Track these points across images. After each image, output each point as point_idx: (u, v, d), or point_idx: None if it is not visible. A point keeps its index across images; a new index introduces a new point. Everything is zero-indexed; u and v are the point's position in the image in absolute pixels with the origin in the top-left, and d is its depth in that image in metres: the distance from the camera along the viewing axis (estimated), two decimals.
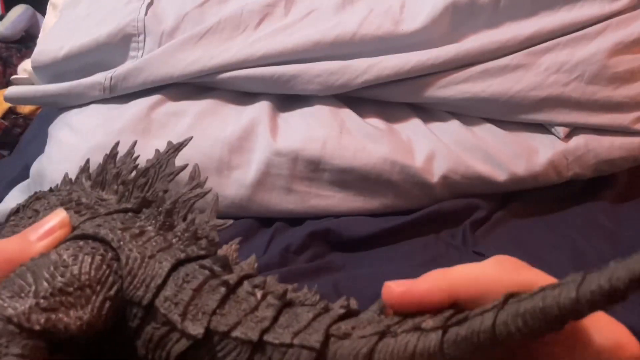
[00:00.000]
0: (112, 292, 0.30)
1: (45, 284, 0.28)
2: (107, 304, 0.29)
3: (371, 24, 0.76)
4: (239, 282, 0.30)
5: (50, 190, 0.39)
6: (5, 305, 0.28)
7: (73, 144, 0.74)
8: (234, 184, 0.72)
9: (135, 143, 0.38)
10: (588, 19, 0.78)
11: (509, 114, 0.78)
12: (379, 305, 0.29)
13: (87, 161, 0.38)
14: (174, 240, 0.31)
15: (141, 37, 0.79)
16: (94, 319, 0.29)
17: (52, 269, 0.29)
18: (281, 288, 0.29)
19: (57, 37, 0.83)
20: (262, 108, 0.76)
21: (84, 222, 0.33)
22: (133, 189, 0.34)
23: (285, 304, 0.29)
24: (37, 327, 0.27)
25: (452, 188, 0.75)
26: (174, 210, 0.33)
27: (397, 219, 0.73)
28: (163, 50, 0.76)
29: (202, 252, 0.31)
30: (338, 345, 0.27)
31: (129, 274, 0.30)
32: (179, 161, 0.71)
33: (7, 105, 1.44)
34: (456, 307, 0.27)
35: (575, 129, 0.78)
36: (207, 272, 0.30)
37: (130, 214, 0.33)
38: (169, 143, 0.36)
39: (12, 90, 0.84)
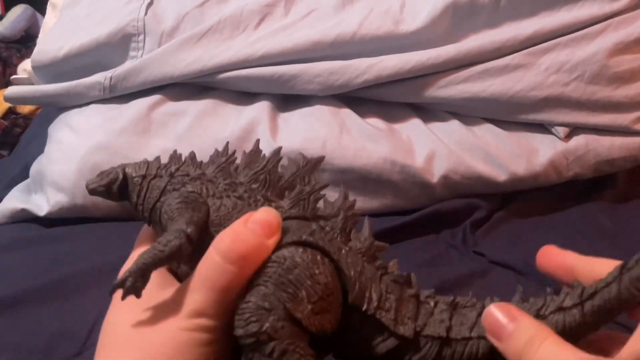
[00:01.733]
0: (341, 299, 0.35)
1: (311, 290, 0.33)
2: (340, 309, 0.34)
3: (371, 23, 0.76)
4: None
5: (178, 168, 0.40)
6: (290, 306, 0.32)
7: (73, 143, 0.74)
8: None
9: (258, 141, 0.41)
10: (588, 19, 0.78)
11: (509, 114, 0.78)
12: (520, 295, 0.36)
13: (234, 152, 0.40)
14: (359, 254, 0.37)
15: (141, 37, 0.78)
16: (337, 321, 0.34)
17: (307, 274, 0.33)
18: (447, 298, 0.36)
19: (56, 37, 0.83)
20: (262, 108, 0.76)
21: (285, 227, 0.36)
22: (310, 200, 0.38)
23: (453, 307, 0.36)
24: (313, 329, 0.32)
25: (452, 188, 0.75)
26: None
27: (397, 219, 0.73)
28: (163, 50, 0.76)
29: (385, 270, 0.37)
30: None
31: (355, 285, 0.35)
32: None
33: (7, 105, 1.44)
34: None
35: (575, 129, 0.78)
36: (399, 285, 0.36)
37: (315, 224, 0.37)
38: (304, 157, 0.39)
39: (11, 90, 0.84)
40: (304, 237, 0.35)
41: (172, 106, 0.76)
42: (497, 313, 0.33)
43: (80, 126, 0.76)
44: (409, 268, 0.65)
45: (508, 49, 0.77)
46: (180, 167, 0.40)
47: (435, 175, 0.73)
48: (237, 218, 0.36)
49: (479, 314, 0.35)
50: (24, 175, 0.83)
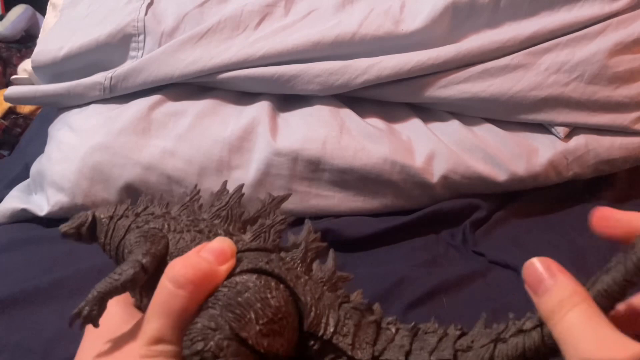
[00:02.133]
0: (296, 324, 0.36)
1: (260, 312, 0.34)
2: (295, 334, 0.35)
3: (371, 24, 0.76)
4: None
5: (145, 208, 0.42)
6: (236, 326, 0.33)
7: (73, 143, 0.74)
8: (234, 184, 0.72)
9: (225, 182, 0.43)
10: (588, 19, 0.78)
11: (509, 114, 0.78)
12: (483, 322, 0.36)
13: (198, 191, 0.42)
14: (320, 283, 0.38)
15: (141, 37, 0.79)
16: (290, 346, 0.35)
17: (258, 297, 0.34)
18: (408, 325, 0.37)
19: (57, 37, 0.83)
20: (262, 108, 0.76)
21: (241, 256, 0.37)
22: (271, 233, 0.39)
23: (414, 334, 0.36)
24: (262, 349, 0.33)
25: (452, 188, 0.75)
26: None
27: (397, 219, 0.73)
28: (163, 50, 0.76)
29: (346, 299, 0.38)
30: (465, 356, 0.34)
31: (310, 311, 0.36)
32: (179, 161, 0.73)
33: (7, 105, 1.44)
34: None
35: (575, 129, 0.78)
36: (359, 312, 0.37)
37: (275, 254, 0.38)
38: (270, 195, 0.42)
39: (12, 90, 0.84)
40: (259, 265, 0.36)
41: (172, 106, 0.76)
42: (538, 266, 0.32)
43: (80, 126, 0.76)
44: (409, 268, 0.65)
45: (508, 49, 0.77)
46: (147, 207, 0.42)
47: (435, 175, 0.73)
48: None
49: (440, 339, 0.36)
50: (24, 175, 0.83)
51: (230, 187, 0.79)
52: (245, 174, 0.72)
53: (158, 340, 0.34)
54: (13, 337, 0.56)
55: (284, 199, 0.41)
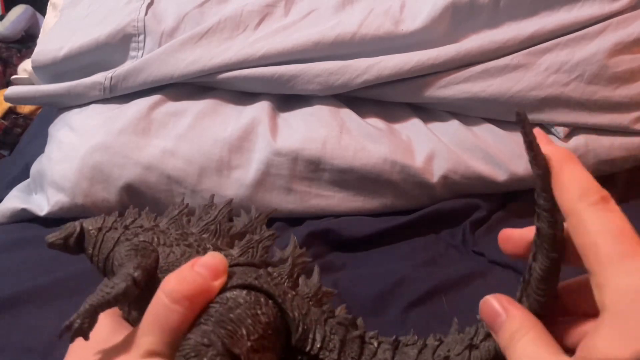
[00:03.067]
0: (283, 340, 0.36)
1: (251, 328, 0.34)
2: (283, 350, 0.36)
3: (371, 24, 0.76)
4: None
5: (134, 220, 0.42)
6: (228, 342, 0.33)
7: (73, 143, 0.74)
8: (234, 184, 0.72)
9: (213, 196, 0.44)
10: (588, 19, 0.78)
11: (509, 114, 0.78)
12: (455, 327, 0.38)
13: (187, 205, 0.42)
14: (306, 299, 0.39)
15: (141, 37, 0.79)
16: None
17: (249, 314, 0.35)
18: (389, 338, 0.38)
19: (57, 37, 0.83)
20: (262, 108, 0.76)
21: (230, 271, 0.38)
22: (259, 248, 0.40)
23: (395, 347, 0.38)
24: None
25: (452, 188, 0.75)
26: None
27: (397, 219, 0.73)
28: (163, 50, 0.76)
29: (332, 314, 0.39)
30: None
31: (298, 327, 0.37)
32: (179, 161, 0.73)
33: (7, 105, 1.44)
34: None
35: (575, 129, 0.78)
36: (344, 327, 0.38)
37: (263, 270, 0.39)
38: (256, 209, 0.42)
39: (12, 90, 0.84)
40: (249, 281, 0.37)
41: (172, 106, 0.76)
42: (493, 302, 0.33)
43: (80, 126, 0.76)
44: (409, 268, 0.65)
45: (508, 49, 0.77)
46: (135, 220, 0.42)
47: (435, 175, 0.73)
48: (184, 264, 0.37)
49: (420, 351, 0.37)
50: (24, 175, 0.83)
51: (230, 188, 0.79)
52: (245, 174, 0.72)
53: (152, 354, 0.34)
54: (13, 337, 0.56)
55: (270, 213, 0.42)
